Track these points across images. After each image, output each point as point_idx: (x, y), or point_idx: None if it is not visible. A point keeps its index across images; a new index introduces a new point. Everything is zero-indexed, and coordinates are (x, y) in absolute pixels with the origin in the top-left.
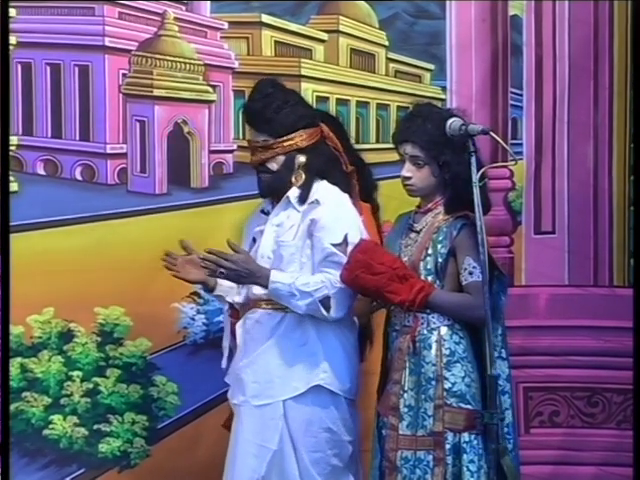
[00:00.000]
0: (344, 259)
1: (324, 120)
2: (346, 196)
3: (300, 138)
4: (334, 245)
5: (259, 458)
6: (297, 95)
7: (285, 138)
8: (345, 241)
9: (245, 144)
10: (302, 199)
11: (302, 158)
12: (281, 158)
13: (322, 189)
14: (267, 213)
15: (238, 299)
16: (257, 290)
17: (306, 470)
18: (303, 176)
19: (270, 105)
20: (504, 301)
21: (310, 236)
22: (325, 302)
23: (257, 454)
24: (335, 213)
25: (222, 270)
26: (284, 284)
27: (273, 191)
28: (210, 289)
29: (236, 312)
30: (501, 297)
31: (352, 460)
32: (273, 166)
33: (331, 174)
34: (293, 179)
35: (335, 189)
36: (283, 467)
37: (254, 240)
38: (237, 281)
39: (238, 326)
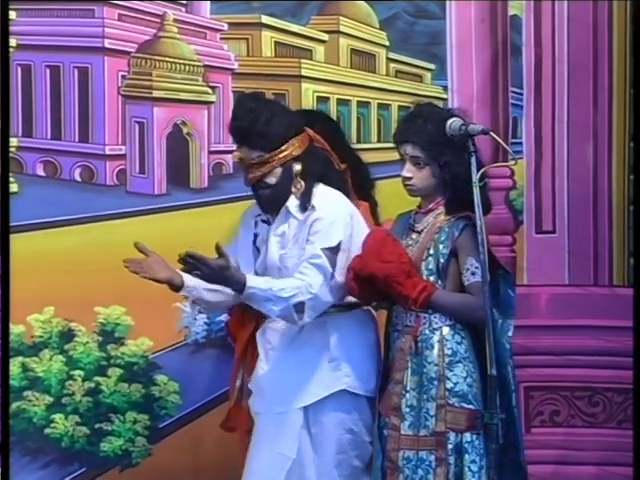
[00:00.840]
0: (327, 265)
1: (317, 120)
2: (345, 199)
3: (293, 147)
4: (325, 249)
5: (278, 466)
6: (279, 104)
7: (280, 150)
8: (338, 247)
9: None
10: (303, 207)
11: (298, 166)
12: (278, 170)
13: (319, 194)
14: (268, 222)
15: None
16: None
17: (327, 472)
18: (302, 184)
19: (258, 119)
20: (514, 297)
21: (307, 241)
22: (298, 307)
23: (276, 462)
24: (331, 217)
25: (197, 272)
26: (261, 289)
27: (275, 205)
28: (177, 288)
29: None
30: (510, 294)
31: (371, 461)
32: (272, 180)
33: (327, 175)
34: (293, 189)
35: (333, 192)
36: (302, 473)
37: (258, 250)
38: (210, 281)
39: (258, 334)
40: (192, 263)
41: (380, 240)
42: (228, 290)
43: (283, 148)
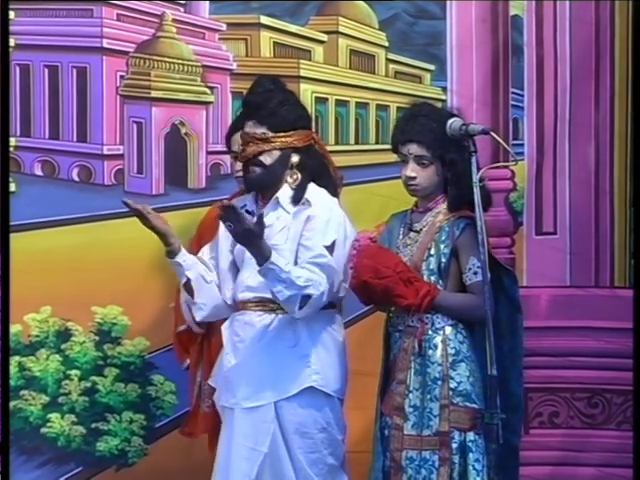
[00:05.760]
0: (332, 265)
1: None
2: (335, 199)
3: (297, 137)
4: (323, 247)
5: (250, 461)
6: (295, 96)
7: (284, 134)
8: (332, 246)
9: None
10: (296, 200)
11: (296, 158)
12: (276, 153)
13: (312, 191)
14: (251, 213)
15: (228, 299)
16: (244, 293)
17: (303, 471)
18: (298, 176)
19: (272, 99)
20: (518, 293)
21: (300, 236)
22: (304, 300)
23: (249, 457)
24: (326, 215)
25: (230, 225)
26: (281, 269)
27: (263, 186)
28: (169, 251)
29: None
30: (515, 289)
31: (345, 459)
32: (267, 160)
33: (321, 177)
34: (288, 178)
35: (324, 192)
36: (279, 469)
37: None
38: (238, 240)
39: (224, 328)
40: (231, 214)
41: (374, 256)
42: (214, 291)
43: (288, 134)
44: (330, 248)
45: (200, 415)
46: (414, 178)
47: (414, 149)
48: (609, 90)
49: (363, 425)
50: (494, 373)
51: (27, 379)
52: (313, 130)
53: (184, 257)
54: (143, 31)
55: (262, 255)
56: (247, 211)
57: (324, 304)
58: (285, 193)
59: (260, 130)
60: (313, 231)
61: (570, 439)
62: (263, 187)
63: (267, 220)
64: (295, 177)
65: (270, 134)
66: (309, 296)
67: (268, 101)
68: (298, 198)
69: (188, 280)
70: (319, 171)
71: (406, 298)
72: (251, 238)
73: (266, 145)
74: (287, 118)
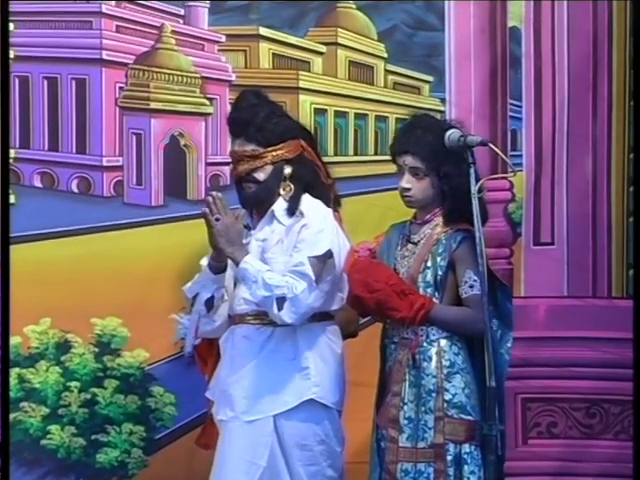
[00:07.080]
0: (309, 273)
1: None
2: (329, 210)
3: (287, 149)
4: (312, 257)
5: (249, 475)
6: (280, 107)
7: (274, 147)
8: (327, 255)
9: None
10: (290, 212)
11: (289, 169)
12: (269, 168)
13: (305, 202)
14: (247, 227)
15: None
16: (242, 306)
17: None
18: (292, 187)
19: (258, 114)
20: (511, 309)
21: (294, 248)
22: (280, 302)
23: (247, 471)
24: (319, 226)
25: (219, 217)
26: (254, 268)
27: (259, 202)
28: (216, 267)
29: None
30: (507, 305)
31: (344, 470)
32: (260, 176)
33: (314, 186)
34: (281, 191)
35: (319, 202)
36: None
37: None
38: (217, 241)
39: (222, 341)
40: (218, 206)
41: (364, 270)
42: (226, 309)
43: (278, 147)
44: (321, 258)
45: (216, 427)
46: (409, 189)
47: (409, 160)
48: (607, 101)
49: (361, 436)
50: (492, 384)
51: (27, 391)
52: (308, 136)
53: (222, 277)
54: (142, 43)
55: (239, 254)
56: (244, 225)
57: (312, 308)
58: (280, 206)
59: (249, 147)
60: (303, 242)
61: (568, 449)
62: (259, 203)
63: (262, 234)
64: (288, 189)
65: (260, 150)
66: (284, 298)
67: (255, 116)
68: (293, 209)
69: (212, 297)
70: (311, 179)
71: (400, 311)
72: (234, 235)
73: (258, 161)
74: (275, 131)
